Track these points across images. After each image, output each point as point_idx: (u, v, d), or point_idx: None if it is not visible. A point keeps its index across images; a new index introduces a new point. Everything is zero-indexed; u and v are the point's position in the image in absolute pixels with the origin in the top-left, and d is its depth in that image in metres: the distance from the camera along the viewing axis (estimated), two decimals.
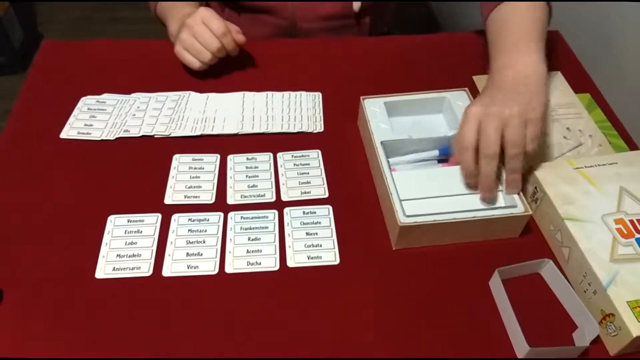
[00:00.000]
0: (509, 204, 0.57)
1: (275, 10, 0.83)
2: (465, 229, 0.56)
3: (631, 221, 0.54)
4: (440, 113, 0.69)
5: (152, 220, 0.59)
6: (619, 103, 0.74)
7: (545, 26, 0.64)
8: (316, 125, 0.70)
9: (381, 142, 0.61)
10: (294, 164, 0.65)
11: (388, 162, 0.60)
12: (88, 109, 0.70)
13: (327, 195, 0.62)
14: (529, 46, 0.60)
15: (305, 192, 0.62)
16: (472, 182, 0.57)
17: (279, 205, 0.61)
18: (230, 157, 0.66)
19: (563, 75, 0.75)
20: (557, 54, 0.81)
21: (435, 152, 0.62)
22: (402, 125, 0.66)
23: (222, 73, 0.76)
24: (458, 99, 0.67)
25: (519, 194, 0.57)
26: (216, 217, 0.59)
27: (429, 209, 0.55)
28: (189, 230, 0.58)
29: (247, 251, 0.56)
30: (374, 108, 0.65)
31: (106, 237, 0.57)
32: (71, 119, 0.69)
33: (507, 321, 0.51)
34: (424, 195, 0.57)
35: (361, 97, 0.66)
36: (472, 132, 0.55)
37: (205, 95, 0.73)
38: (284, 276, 0.55)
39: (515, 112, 0.54)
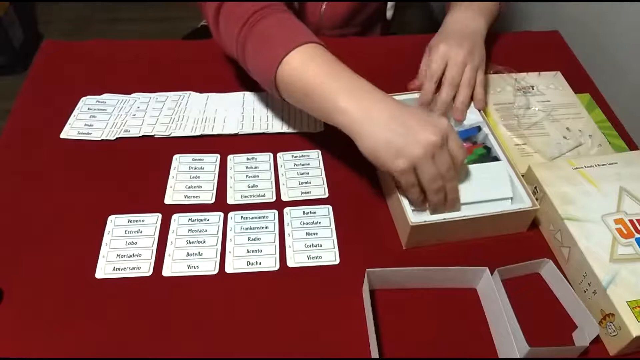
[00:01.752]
0: (517, 199, 0.57)
1: (302, 18, 0.83)
2: (474, 225, 0.56)
3: (631, 221, 0.54)
4: None
5: (152, 220, 0.59)
6: (619, 103, 0.74)
7: (493, 11, 0.74)
8: (316, 125, 0.70)
9: None
10: (294, 164, 0.65)
11: None
12: (88, 109, 0.70)
13: (327, 195, 0.62)
14: (480, 14, 0.72)
15: (305, 192, 0.62)
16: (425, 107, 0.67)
17: (279, 205, 0.61)
18: (230, 157, 0.66)
19: (563, 75, 0.75)
20: (557, 54, 0.81)
21: None
22: None
23: (222, 73, 0.76)
24: None
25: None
26: (216, 217, 0.59)
27: None
28: (189, 230, 0.58)
29: (247, 251, 0.56)
30: None
31: (106, 237, 0.57)
32: (71, 119, 0.69)
33: (507, 321, 0.51)
34: None
35: None
36: (442, 66, 0.66)
37: (205, 95, 0.73)
38: (284, 276, 0.55)
39: (478, 58, 0.68)
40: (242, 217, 0.59)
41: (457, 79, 0.66)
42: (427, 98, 0.67)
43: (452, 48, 0.66)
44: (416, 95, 0.68)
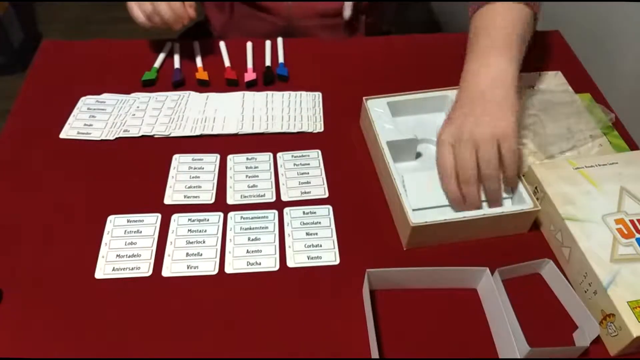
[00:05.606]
0: (518, 200, 0.57)
1: (272, 8, 0.83)
2: (475, 226, 0.56)
3: (631, 221, 0.54)
4: (442, 111, 0.69)
5: (152, 220, 0.59)
6: (619, 103, 0.74)
7: (526, 29, 0.62)
8: (316, 125, 0.70)
9: (387, 143, 0.61)
10: (294, 164, 0.65)
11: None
12: (88, 108, 0.70)
13: (327, 195, 0.62)
14: (502, 52, 0.58)
15: (305, 192, 0.62)
16: (460, 206, 0.56)
17: (279, 205, 0.61)
18: (230, 157, 0.66)
19: (563, 75, 0.75)
20: (557, 54, 0.81)
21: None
22: (406, 125, 0.66)
23: (222, 73, 0.76)
24: None
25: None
26: (216, 217, 0.59)
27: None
28: (188, 230, 0.58)
29: (247, 251, 0.56)
30: (377, 108, 0.65)
31: (106, 237, 0.57)
32: (71, 119, 0.69)
33: (507, 321, 0.51)
34: (433, 195, 0.57)
35: (364, 98, 0.66)
36: (450, 158, 0.55)
37: (205, 95, 0.73)
38: (284, 276, 0.55)
39: (487, 133, 0.53)
40: (242, 217, 0.59)
41: (474, 178, 0.54)
42: (455, 197, 0.56)
43: (459, 144, 0.54)
44: (413, 96, 0.67)
